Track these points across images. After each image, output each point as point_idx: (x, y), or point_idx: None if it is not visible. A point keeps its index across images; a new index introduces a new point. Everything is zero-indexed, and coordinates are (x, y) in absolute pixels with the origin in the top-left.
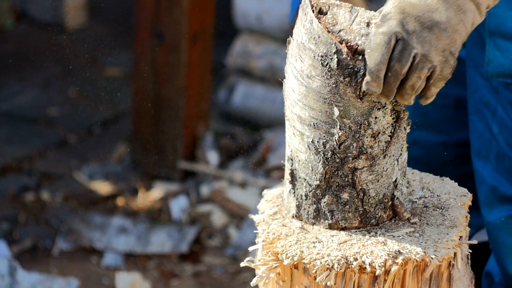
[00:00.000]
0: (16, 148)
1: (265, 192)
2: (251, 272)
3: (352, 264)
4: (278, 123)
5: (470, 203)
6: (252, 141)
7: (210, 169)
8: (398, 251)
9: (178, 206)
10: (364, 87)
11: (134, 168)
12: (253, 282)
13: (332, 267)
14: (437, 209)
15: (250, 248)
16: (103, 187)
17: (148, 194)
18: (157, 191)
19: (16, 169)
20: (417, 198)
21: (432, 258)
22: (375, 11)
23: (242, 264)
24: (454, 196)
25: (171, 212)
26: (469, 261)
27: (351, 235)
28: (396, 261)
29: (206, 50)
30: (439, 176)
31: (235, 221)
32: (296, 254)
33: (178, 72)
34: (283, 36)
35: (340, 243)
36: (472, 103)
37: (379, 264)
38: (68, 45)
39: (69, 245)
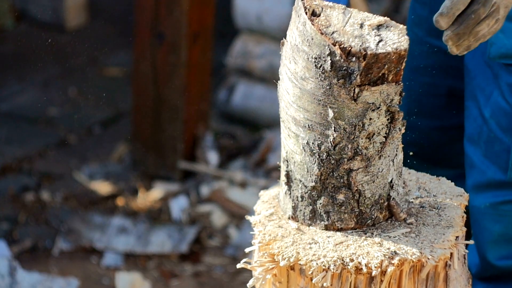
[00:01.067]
0: (16, 148)
1: (261, 193)
2: (250, 272)
3: (348, 265)
4: (278, 123)
5: (466, 203)
6: (252, 141)
7: (210, 169)
8: (394, 251)
9: (178, 206)
10: (434, 19)
11: (134, 168)
12: (250, 284)
13: (328, 268)
14: (434, 209)
15: (247, 250)
16: (103, 187)
17: (148, 194)
18: (157, 191)
19: (16, 169)
20: (413, 199)
21: (428, 258)
22: (375, 11)
23: (238, 266)
24: (451, 196)
25: (171, 212)
26: (466, 261)
27: (347, 236)
28: (392, 261)
29: (206, 50)
30: (436, 176)
31: (235, 221)
32: (292, 256)
33: (178, 72)
34: (283, 36)
35: (336, 244)
36: (469, 89)
37: (375, 265)
38: (68, 45)
39: (69, 245)
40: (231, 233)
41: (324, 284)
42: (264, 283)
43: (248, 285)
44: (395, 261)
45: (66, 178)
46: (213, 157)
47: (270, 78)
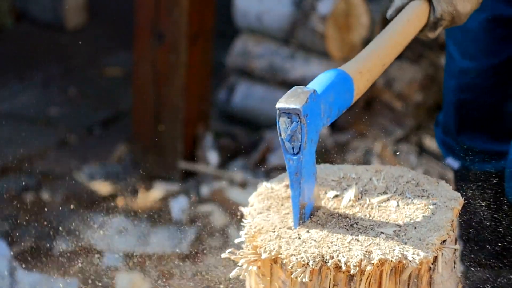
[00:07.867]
0: (16, 148)
1: (259, 185)
2: None
3: (328, 262)
4: None
5: (460, 207)
6: (252, 141)
7: (210, 169)
8: (376, 251)
9: (178, 206)
10: None
11: (134, 168)
12: (232, 274)
13: (308, 263)
14: (425, 212)
15: (236, 240)
16: (103, 187)
17: (148, 194)
18: (157, 191)
19: (16, 169)
20: (406, 198)
21: (409, 261)
22: (375, 11)
23: (223, 256)
24: (445, 200)
25: (171, 212)
26: (455, 266)
27: (332, 233)
28: (372, 261)
29: (206, 50)
30: (435, 178)
31: (235, 221)
32: (274, 249)
33: (178, 72)
34: (283, 36)
35: (320, 240)
36: None
37: (354, 264)
38: (68, 45)
39: (69, 245)
40: (231, 233)
41: (303, 280)
42: (248, 275)
43: (230, 275)
44: (375, 261)
45: (66, 178)
46: (213, 157)
47: (270, 78)
